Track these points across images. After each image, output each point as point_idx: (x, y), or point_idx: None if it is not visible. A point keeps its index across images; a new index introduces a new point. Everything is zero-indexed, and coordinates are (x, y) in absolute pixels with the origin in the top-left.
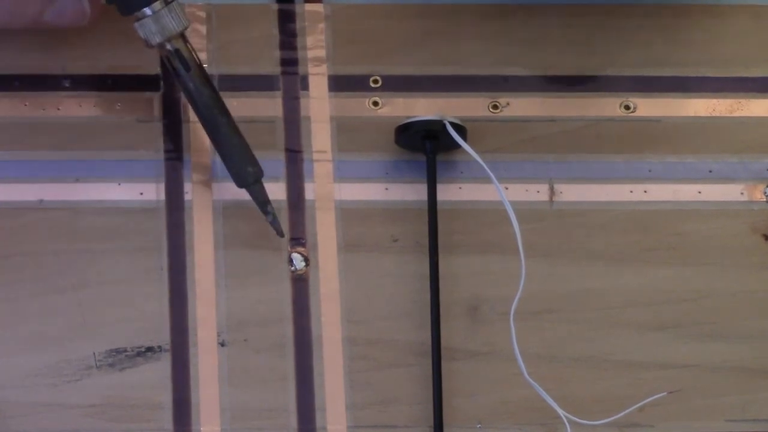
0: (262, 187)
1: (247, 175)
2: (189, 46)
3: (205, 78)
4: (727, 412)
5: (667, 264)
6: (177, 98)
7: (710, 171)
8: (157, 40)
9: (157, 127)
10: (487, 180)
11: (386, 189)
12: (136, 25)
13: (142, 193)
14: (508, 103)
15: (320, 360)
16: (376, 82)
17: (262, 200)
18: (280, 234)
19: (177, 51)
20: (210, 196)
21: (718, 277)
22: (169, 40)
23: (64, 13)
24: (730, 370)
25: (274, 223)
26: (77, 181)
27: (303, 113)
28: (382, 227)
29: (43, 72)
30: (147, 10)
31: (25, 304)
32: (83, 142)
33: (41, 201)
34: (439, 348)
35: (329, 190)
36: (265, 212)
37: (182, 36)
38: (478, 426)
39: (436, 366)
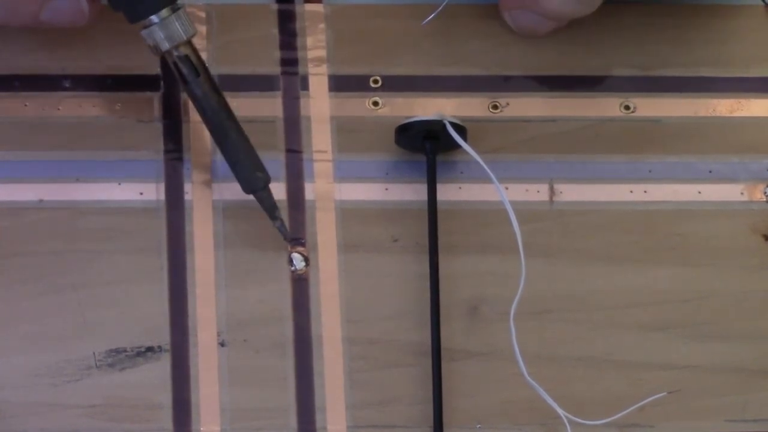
0: (270, 193)
1: (256, 181)
2: (196, 52)
3: (213, 84)
4: (727, 412)
5: (667, 264)
6: (177, 98)
7: (710, 171)
8: (165, 47)
9: (157, 127)
10: (487, 180)
11: (386, 189)
12: (144, 32)
13: (142, 193)
14: (508, 103)
15: (320, 360)
16: (376, 82)
17: (269, 206)
18: (288, 239)
19: (186, 57)
20: (210, 196)
21: (718, 277)
22: (177, 46)
23: (62, 12)
24: (730, 370)
25: (282, 229)
26: (77, 181)
27: (303, 113)
28: (382, 227)
29: (43, 72)
30: (154, 18)
31: (25, 304)
32: (83, 142)
33: (41, 201)
34: (439, 348)
35: (329, 190)
36: (273, 217)
37: (189, 42)
38: (478, 426)
39: (436, 366)
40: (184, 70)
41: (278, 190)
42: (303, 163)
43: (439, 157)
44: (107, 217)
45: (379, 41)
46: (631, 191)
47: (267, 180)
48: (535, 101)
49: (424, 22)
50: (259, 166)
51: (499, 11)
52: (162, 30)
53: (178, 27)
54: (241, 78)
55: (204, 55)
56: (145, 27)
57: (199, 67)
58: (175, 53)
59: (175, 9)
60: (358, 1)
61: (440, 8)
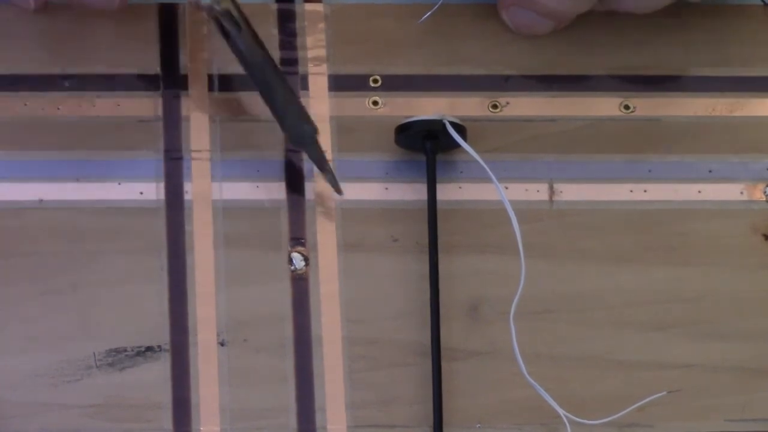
0: (319, 145)
1: (304, 133)
2: (238, 7)
3: (256, 37)
4: (727, 412)
5: (667, 264)
6: (177, 98)
7: (710, 171)
8: (206, 1)
9: (157, 127)
10: (487, 180)
11: (386, 189)
12: None
13: (142, 193)
14: (508, 103)
15: (320, 360)
16: (376, 81)
17: (319, 157)
18: (339, 191)
19: (227, 12)
20: (210, 196)
21: (718, 277)
22: (218, 1)
23: None
24: (730, 370)
25: (332, 180)
26: (77, 181)
27: None
28: (382, 227)
29: (43, 72)
30: None
31: (25, 304)
32: (83, 142)
33: (41, 201)
34: (439, 348)
35: (329, 189)
36: (323, 169)
37: None
38: (478, 426)
39: (436, 366)
40: (228, 25)
41: (278, 190)
42: (303, 163)
43: (439, 156)
44: (107, 217)
45: (379, 41)
46: (631, 191)
47: (315, 132)
48: (535, 101)
49: (420, 20)
50: (307, 118)
51: (497, 10)
52: None
53: None
54: (241, 77)
55: (204, 55)
56: None
57: (240, 22)
58: (218, 7)
59: None
60: (358, 0)
61: (435, 7)
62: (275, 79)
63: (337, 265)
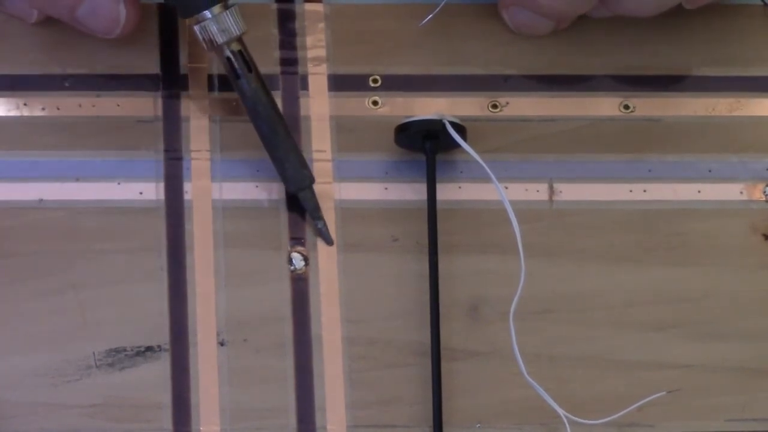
0: (314, 193)
1: (303, 179)
2: (247, 49)
3: (262, 81)
4: (727, 412)
5: (667, 264)
6: (177, 98)
7: (710, 170)
8: (219, 40)
9: (157, 127)
10: (486, 180)
11: (386, 189)
12: (197, 27)
13: (141, 193)
14: (507, 103)
15: (320, 360)
16: (375, 81)
17: (313, 205)
18: (329, 242)
19: (239, 52)
20: (210, 196)
21: (718, 277)
22: (229, 42)
23: (98, 15)
24: (730, 370)
25: (324, 230)
26: (77, 180)
27: (303, 113)
28: (382, 227)
29: (43, 72)
30: (207, 13)
31: (25, 304)
32: (83, 141)
33: (41, 201)
34: (439, 348)
35: (329, 189)
36: (316, 218)
37: (240, 39)
38: (478, 426)
39: (435, 366)
40: (237, 66)
41: (278, 190)
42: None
43: (438, 156)
44: (107, 217)
45: (379, 41)
46: (631, 191)
47: (312, 179)
48: (535, 101)
49: (422, 23)
50: (305, 165)
51: (498, 10)
52: (216, 25)
53: (232, 23)
54: None
55: (204, 55)
56: (199, 22)
57: (251, 63)
58: (228, 48)
59: (227, 6)
60: (358, 1)
61: (437, 10)
62: (278, 123)
63: (336, 265)
